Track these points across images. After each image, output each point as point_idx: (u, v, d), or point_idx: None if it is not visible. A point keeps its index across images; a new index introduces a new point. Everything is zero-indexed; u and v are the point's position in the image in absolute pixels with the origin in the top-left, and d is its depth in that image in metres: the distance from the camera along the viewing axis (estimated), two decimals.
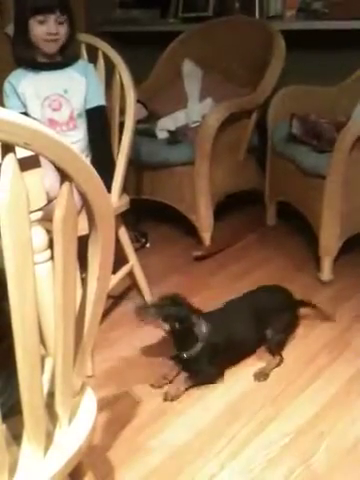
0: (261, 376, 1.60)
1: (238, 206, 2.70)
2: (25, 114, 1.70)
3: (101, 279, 0.74)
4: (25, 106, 1.73)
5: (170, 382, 1.58)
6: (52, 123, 1.73)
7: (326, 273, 2.10)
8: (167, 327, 1.53)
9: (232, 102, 2.27)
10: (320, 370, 1.62)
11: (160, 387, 1.57)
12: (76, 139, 1.76)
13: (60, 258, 0.65)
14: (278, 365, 1.64)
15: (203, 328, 1.54)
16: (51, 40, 1.67)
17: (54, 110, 1.73)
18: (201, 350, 1.53)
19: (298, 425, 1.41)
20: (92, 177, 0.61)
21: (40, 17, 1.64)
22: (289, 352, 1.70)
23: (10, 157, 0.54)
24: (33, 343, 0.67)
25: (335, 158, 1.93)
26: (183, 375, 1.58)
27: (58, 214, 0.61)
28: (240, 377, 1.60)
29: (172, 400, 1.51)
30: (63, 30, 1.68)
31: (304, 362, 1.66)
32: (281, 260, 2.29)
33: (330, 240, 2.06)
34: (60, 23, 1.66)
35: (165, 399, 1.51)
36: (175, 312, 1.52)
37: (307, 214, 2.19)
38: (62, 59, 1.73)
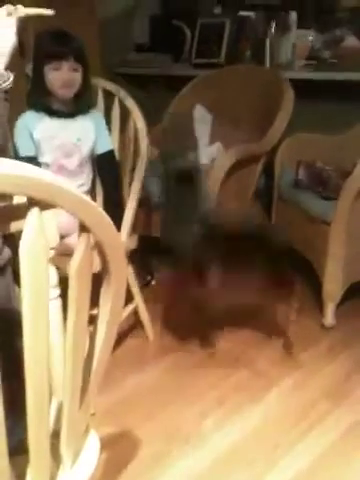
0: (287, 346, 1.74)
1: None
2: (35, 158, 1.76)
3: (111, 324, 0.77)
4: (36, 150, 1.78)
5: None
6: (61, 169, 1.79)
7: (329, 318, 2.11)
8: None
9: (240, 148, 2.32)
10: (320, 418, 1.61)
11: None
12: (81, 183, 1.83)
13: (74, 307, 0.68)
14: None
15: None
16: (65, 87, 1.72)
17: (65, 157, 1.79)
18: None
19: (297, 473, 1.40)
20: (110, 231, 0.64)
21: (54, 64, 1.70)
22: (289, 398, 1.71)
23: (34, 211, 0.58)
24: (43, 384, 0.69)
25: (340, 205, 1.97)
26: None
27: (74, 264, 0.64)
28: (239, 423, 1.60)
29: None
30: (77, 77, 1.73)
31: (304, 409, 1.65)
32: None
33: (334, 286, 2.08)
34: (74, 70, 1.72)
35: None
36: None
37: (311, 259, 2.22)
38: (76, 107, 1.79)
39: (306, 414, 1.63)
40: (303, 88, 2.53)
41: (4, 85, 1.03)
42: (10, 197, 1.05)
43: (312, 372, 1.82)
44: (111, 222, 0.66)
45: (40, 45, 1.73)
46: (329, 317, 2.11)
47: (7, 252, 0.89)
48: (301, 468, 1.42)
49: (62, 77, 1.70)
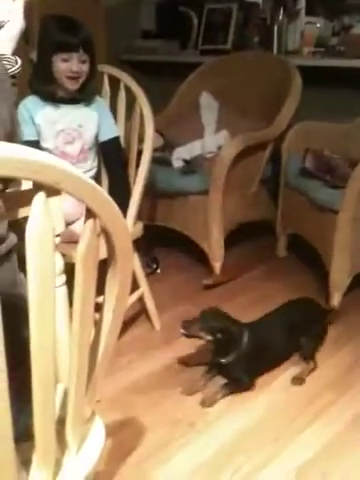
0: (298, 381, 1.72)
1: (249, 236, 2.72)
2: (37, 143, 1.75)
3: (117, 311, 0.76)
4: (39, 135, 1.77)
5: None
6: (64, 155, 1.78)
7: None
8: (209, 338, 1.64)
9: (247, 135, 2.31)
10: (324, 409, 1.60)
11: (190, 394, 1.66)
12: (84, 170, 1.82)
13: (80, 292, 0.67)
14: (313, 370, 1.77)
15: (243, 337, 1.66)
16: (73, 78, 1.72)
17: (67, 143, 1.79)
18: (239, 357, 1.64)
19: (301, 463, 1.40)
20: (116, 216, 0.63)
21: (64, 55, 1.68)
22: (294, 389, 1.70)
23: (40, 195, 0.57)
24: (49, 371, 0.69)
25: (348, 194, 1.96)
26: (217, 382, 1.69)
27: (81, 250, 0.64)
28: (244, 412, 1.60)
29: (209, 406, 1.60)
30: (85, 68, 1.73)
31: (308, 400, 1.65)
32: (290, 292, 2.28)
33: (340, 275, 2.07)
34: (82, 62, 1.71)
35: (203, 404, 1.60)
36: (218, 325, 1.64)
37: (318, 248, 2.21)
38: (80, 95, 1.78)
39: (310, 404, 1.62)
40: (311, 75, 2.50)
41: (12, 70, 1.02)
42: (18, 183, 1.04)
43: (317, 363, 1.82)
44: (117, 208, 0.65)
45: (48, 33, 1.71)
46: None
47: (13, 238, 0.88)
48: (305, 458, 1.41)
49: (71, 68, 1.69)
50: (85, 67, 1.72)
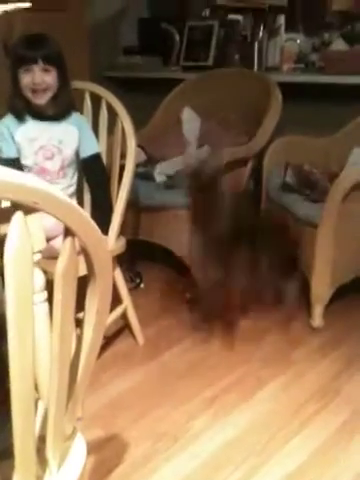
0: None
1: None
2: (18, 160, 1.76)
3: (97, 327, 0.77)
4: (19, 152, 1.78)
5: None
6: (43, 171, 1.78)
7: (317, 320, 2.12)
8: None
9: (229, 151, 2.33)
10: (309, 418, 1.62)
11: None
12: (64, 186, 1.82)
13: (59, 310, 0.68)
14: None
15: None
16: (38, 90, 1.71)
17: (46, 159, 1.79)
18: None
19: (287, 473, 1.41)
20: (94, 232, 0.64)
21: (25, 67, 1.69)
22: (279, 399, 1.71)
23: (18, 215, 0.58)
24: (29, 389, 0.69)
25: (327, 208, 1.99)
26: None
27: (59, 268, 0.65)
28: (229, 423, 1.61)
29: None
30: (49, 79, 1.71)
31: (293, 409, 1.66)
32: (273, 306, 2.31)
33: (321, 288, 2.09)
34: (45, 71, 1.70)
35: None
36: None
37: (300, 261, 2.23)
38: (55, 109, 1.77)
39: (296, 414, 1.63)
40: (291, 91, 2.54)
41: None
42: None
43: (301, 373, 1.83)
44: (95, 225, 0.66)
45: (14, 49, 1.75)
46: (317, 319, 2.12)
47: None
48: (291, 468, 1.42)
49: (32, 79, 1.69)
50: (49, 79, 1.71)
